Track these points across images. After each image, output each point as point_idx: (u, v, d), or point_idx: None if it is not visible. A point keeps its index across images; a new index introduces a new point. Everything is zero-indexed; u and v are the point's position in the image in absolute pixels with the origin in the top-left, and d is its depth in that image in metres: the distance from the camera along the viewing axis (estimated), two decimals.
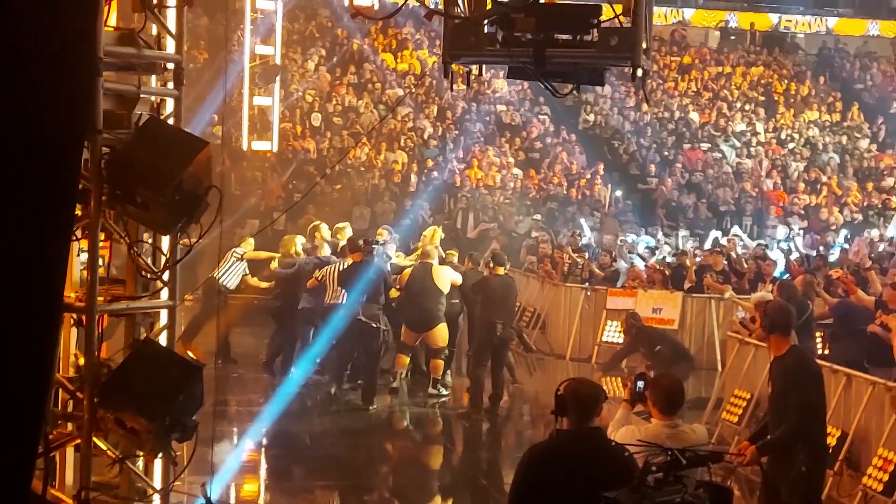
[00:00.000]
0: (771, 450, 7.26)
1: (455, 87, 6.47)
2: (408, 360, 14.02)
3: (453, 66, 6.12)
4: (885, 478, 9.00)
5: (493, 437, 13.13)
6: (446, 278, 13.57)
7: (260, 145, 19.17)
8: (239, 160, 22.55)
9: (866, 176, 25.94)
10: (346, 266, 13.12)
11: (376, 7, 18.83)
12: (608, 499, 4.42)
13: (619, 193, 24.40)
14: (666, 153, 25.99)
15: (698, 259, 18.17)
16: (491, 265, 13.43)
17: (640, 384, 6.17)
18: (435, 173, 24.05)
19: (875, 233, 21.93)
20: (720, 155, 26.18)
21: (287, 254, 14.54)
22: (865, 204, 24.44)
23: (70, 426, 6.27)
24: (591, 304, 17.10)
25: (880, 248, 19.59)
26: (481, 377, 13.07)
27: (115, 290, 6.42)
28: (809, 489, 7.40)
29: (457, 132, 25.64)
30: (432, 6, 6.34)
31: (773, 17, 32.31)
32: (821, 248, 20.15)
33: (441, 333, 13.62)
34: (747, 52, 31.19)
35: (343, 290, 12.96)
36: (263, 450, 11.66)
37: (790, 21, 32.30)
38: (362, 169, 23.98)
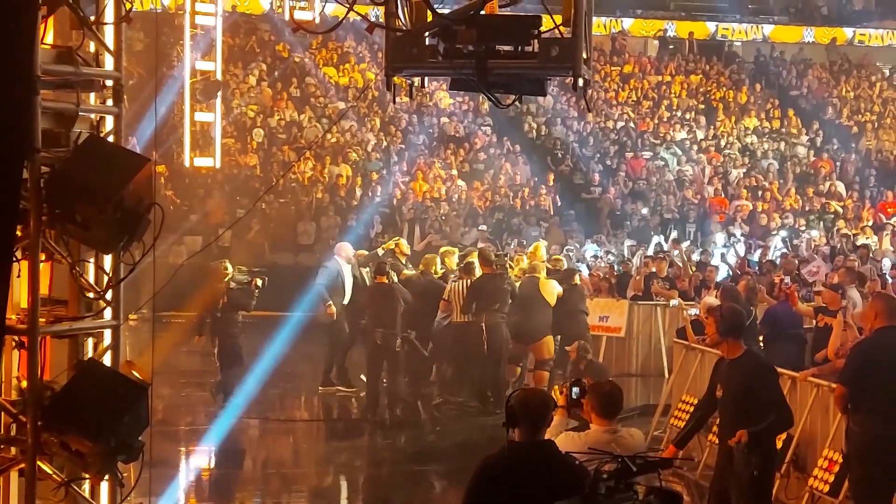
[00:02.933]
0: (758, 439, 7.28)
1: (398, 99, 6.47)
2: (519, 370, 14.29)
3: (396, 78, 6.12)
4: (831, 479, 9.11)
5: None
6: (553, 291, 13.86)
7: (202, 161, 19.00)
8: (181, 177, 22.38)
9: (804, 181, 26.32)
10: (474, 280, 13.56)
11: (317, 21, 18.70)
12: None
13: (563, 203, 24.54)
14: (609, 162, 26.19)
15: (635, 266, 18.27)
16: (373, 274, 13.83)
17: (576, 391, 6.19)
18: (380, 187, 24.03)
19: (815, 234, 22.28)
20: (662, 163, 26.43)
21: (426, 271, 14.58)
22: (807, 209, 24.79)
23: (13, 450, 6.16)
24: None
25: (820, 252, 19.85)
26: (374, 386, 13.35)
27: (57, 311, 6.32)
28: (760, 493, 7.48)
29: (401, 145, 25.65)
30: (373, 19, 6.32)
31: (711, 26, 32.71)
32: (758, 252, 20.33)
33: (548, 346, 13.94)
34: (686, 61, 31.55)
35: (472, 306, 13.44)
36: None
37: (727, 29, 32.71)
38: (307, 183, 23.91)
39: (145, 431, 5.82)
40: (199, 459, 11.79)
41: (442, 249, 16.23)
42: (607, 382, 6.60)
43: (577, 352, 13.23)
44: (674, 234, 22.04)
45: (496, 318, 13.50)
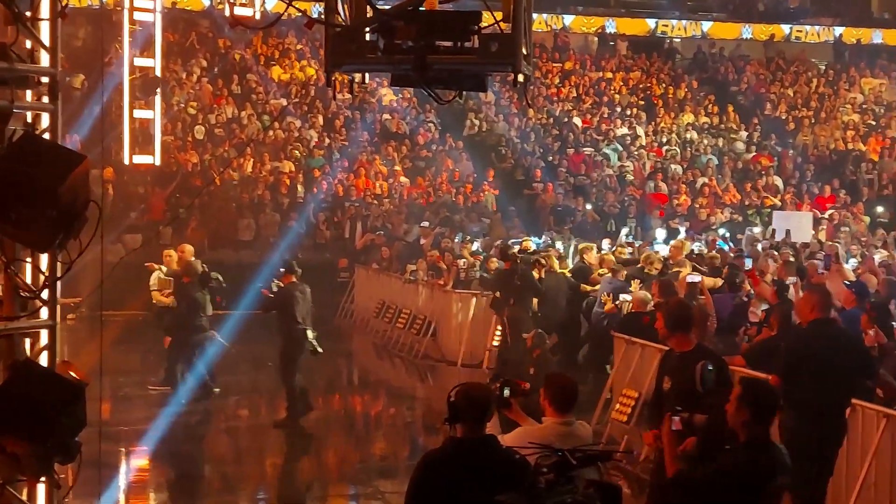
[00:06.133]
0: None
1: (339, 95, 6.46)
2: None
3: (336, 74, 6.09)
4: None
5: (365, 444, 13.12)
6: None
7: (141, 159, 18.79)
8: (120, 174, 22.13)
9: (743, 176, 26.64)
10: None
11: (257, 17, 18.63)
12: (500, 502, 4.44)
13: (505, 199, 24.62)
14: (551, 158, 26.32)
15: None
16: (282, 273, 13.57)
17: (507, 390, 6.18)
18: (323, 183, 23.95)
19: (758, 230, 22.54)
20: (603, 158, 26.62)
21: None
22: (746, 203, 25.09)
23: None
24: (481, 310, 17.19)
25: (759, 247, 20.07)
26: (294, 385, 13.10)
27: None
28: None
29: (343, 141, 25.57)
30: (314, 15, 6.30)
31: (650, 23, 32.97)
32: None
33: None
34: (626, 57, 31.79)
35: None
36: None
37: (666, 26, 33.01)
38: (247, 181, 23.77)
39: (83, 432, 5.75)
40: (139, 460, 11.67)
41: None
42: (563, 375, 6.62)
43: (533, 339, 13.31)
44: (625, 230, 22.18)
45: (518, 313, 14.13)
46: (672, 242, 16.84)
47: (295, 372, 13.07)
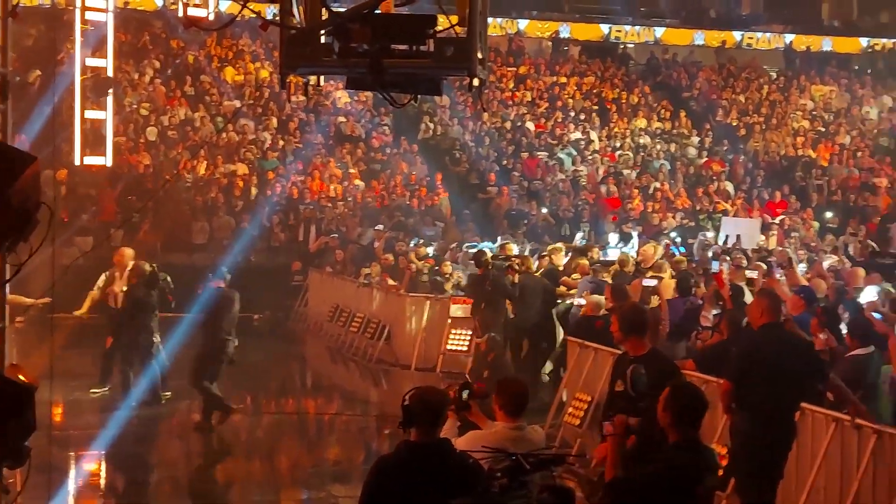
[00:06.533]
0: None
1: (294, 98, 6.43)
2: None
3: (291, 76, 6.07)
4: (719, 473, 9.29)
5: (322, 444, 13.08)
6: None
7: (93, 160, 18.58)
8: (71, 176, 21.89)
9: (695, 181, 26.85)
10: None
11: (211, 17, 18.47)
12: None
13: (460, 202, 24.64)
14: (505, 162, 26.38)
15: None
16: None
17: (466, 393, 6.20)
18: (277, 186, 23.84)
19: (710, 235, 22.71)
20: (557, 163, 26.72)
21: None
22: (698, 208, 25.29)
23: None
24: (436, 313, 17.20)
25: (709, 253, 20.23)
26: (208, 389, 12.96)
27: None
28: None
29: (297, 144, 25.47)
30: (269, 17, 6.26)
31: (604, 28, 33.21)
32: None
33: None
34: (580, 62, 31.96)
35: None
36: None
37: (620, 31, 33.25)
38: (201, 183, 23.60)
39: (32, 436, 5.68)
40: (89, 464, 11.54)
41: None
42: (514, 381, 6.65)
43: (487, 343, 13.31)
44: (580, 234, 22.26)
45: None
46: (643, 247, 17.00)
47: (210, 378, 12.88)
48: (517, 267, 14.99)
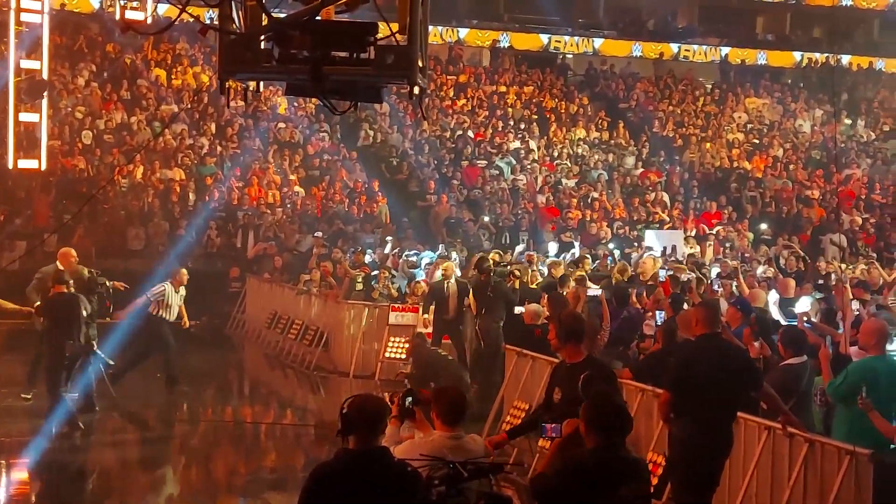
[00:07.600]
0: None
1: (232, 103, 6.39)
2: None
3: (230, 82, 6.03)
4: (654, 481, 9.36)
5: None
6: None
7: (27, 163, 18.31)
8: (4, 179, 21.54)
9: (632, 192, 27.10)
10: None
11: (149, 21, 18.28)
12: None
13: (398, 210, 24.61)
14: (445, 170, 26.42)
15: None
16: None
17: (409, 400, 6.20)
18: (215, 192, 23.63)
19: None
20: (497, 172, 26.82)
21: None
22: (635, 218, 25.51)
23: None
24: (375, 321, 17.17)
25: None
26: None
27: None
28: None
29: (235, 149, 25.29)
30: (207, 21, 6.21)
31: (544, 38, 33.44)
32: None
33: None
34: (519, 72, 32.12)
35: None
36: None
37: (559, 42, 33.51)
38: (136, 188, 23.33)
39: None
40: (20, 472, 11.34)
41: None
42: (451, 389, 6.64)
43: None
44: (521, 247, 22.31)
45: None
46: (643, 258, 17.47)
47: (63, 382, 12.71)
48: (518, 274, 15.33)
